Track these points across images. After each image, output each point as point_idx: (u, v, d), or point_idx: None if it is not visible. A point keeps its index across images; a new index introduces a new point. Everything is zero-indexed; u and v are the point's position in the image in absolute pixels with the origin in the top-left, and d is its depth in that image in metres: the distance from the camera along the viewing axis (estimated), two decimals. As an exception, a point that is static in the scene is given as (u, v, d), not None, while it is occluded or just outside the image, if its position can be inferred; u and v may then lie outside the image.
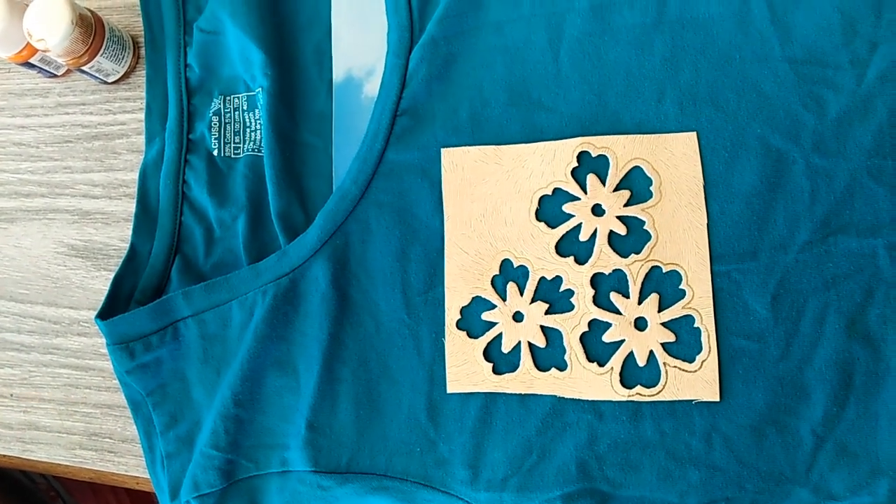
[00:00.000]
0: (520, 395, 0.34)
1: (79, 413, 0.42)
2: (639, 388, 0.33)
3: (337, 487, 0.35)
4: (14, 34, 0.40)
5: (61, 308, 0.43)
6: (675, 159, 0.34)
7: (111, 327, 0.37)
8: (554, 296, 0.35)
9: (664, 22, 0.35)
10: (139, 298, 0.39)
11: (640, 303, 0.34)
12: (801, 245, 0.32)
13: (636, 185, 0.34)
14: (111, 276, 0.42)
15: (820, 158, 0.33)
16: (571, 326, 0.34)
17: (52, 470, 0.43)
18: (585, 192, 0.35)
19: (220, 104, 0.41)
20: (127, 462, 0.41)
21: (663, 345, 0.33)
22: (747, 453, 0.32)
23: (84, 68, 0.41)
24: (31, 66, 0.43)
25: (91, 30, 0.40)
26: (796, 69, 0.33)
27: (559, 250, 0.35)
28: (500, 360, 0.35)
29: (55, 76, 0.44)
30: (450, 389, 0.35)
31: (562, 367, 0.34)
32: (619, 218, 0.34)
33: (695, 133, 0.34)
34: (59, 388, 0.42)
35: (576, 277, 0.34)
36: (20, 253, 0.44)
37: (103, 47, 0.41)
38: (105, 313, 0.38)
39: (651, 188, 0.34)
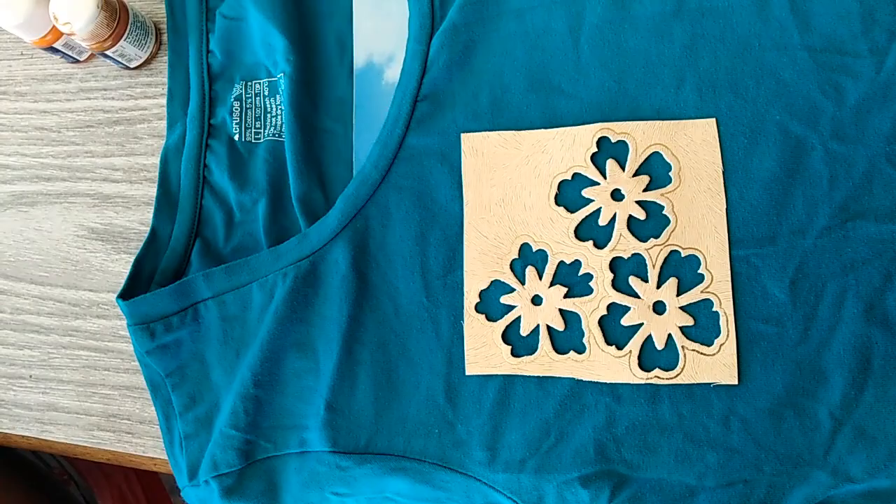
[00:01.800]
0: (538, 377, 0.35)
1: (97, 394, 0.42)
2: (657, 371, 0.33)
3: (355, 468, 0.36)
4: (39, 19, 0.40)
5: (81, 290, 0.44)
6: (694, 145, 0.34)
7: (132, 307, 0.37)
8: (573, 279, 0.35)
9: (684, 10, 0.35)
10: (159, 280, 0.40)
11: (658, 287, 0.34)
12: (819, 230, 0.33)
13: (655, 171, 0.35)
14: (131, 259, 0.42)
15: (838, 145, 0.33)
16: (590, 310, 0.34)
17: (69, 451, 0.43)
18: (605, 177, 0.35)
19: (241, 89, 0.41)
20: (145, 443, 0.42)
21: (682, 328, 0.34)
22: (765, 436, 0.32)
23: (107, 53, 0.42)
24: (55, 50, 0.43)
25: (115, 14, 0.41)
26: (815, 57, 0.34)
27: (578, 234, 0.35)
28: (519, 342, 0.35)
29: (78, 61, 0.45)
30: (468, 371, 0.35)
31: (580, 350, 0.34)
32: (638, 203, 0.35)
33: (714, 119, 0.34)
34: (78, 370, 0.43)
35: (595, 261, 0.35)
36: (41, 236, 0.44)
37: (127, 32, 0.41)
38: (126, 294, 0.38)
39: (670, 173, 0.34)
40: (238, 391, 0.37)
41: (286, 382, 0.37)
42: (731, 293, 0.33)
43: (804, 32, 0.34)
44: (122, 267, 0.43)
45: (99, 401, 0.42)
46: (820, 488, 0.32)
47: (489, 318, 0.35)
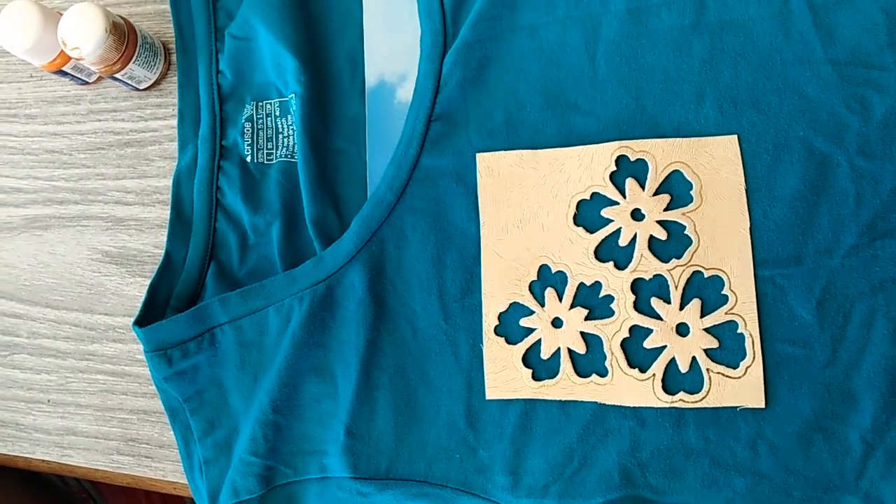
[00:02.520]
0: (560, 401, 0.34)
1: (116, 419, 0.42)
2: (682, 395, 0.33)
3: (377, 494, 0.35)
4: (48, 43, 0.40)
5: (96, 314, 0.43)
6: (715, 163, 0.34)
7: (149, 334, 0.37)
8: (593, 301, 0.34)
9: (702, 24, 0.34)
10: (175, 305, 0.39)
11: (681, 308, 0.33)
12: (846, 249, 0.32)
13: (676, 190, 0.34)
14: (145, 282, 0.42)
15: (865, 161, 0.32)
16: (612, 332, 0.34)
17: (90, 475, 0.43)
18: (624, 197, 0.34)
19: (252, 110, 0.41)
20: (164, 467, 0.41)
21: (706, 351, 0.33)
22: (794, 461, 0.32)
23: (116, 76, 0.42)
24: (64, 73, 0.43)
25: (124, 37, 0.40)
26: (839, 70, 0.33)
27: (598, 255, 0.34)
28: (540, 366, 0.35)
29: (87, 83, 0.45)
30: (489, 396, 0.35)
31: (602, 373, 0.34)
32: (659, 222, 0.34)
33: (735, 136, 0.34)
34: (96, 394, 0.43)
35: (616, 283, 0.34)
36: (55, 260, 0.44)
37: (136, 55, 0.41)
38: (142, 320, 0.38)
39: (691, 192, 0.34)
40: (257, 417, 0.37)
41: (305, 408, 0.37)
42: (756, 314, 0.32)
43: (828, 45, 0.33)
44: (136, 290, 0.43)
45: (117, 425, 0.42)
46: (851, 514, 0.31)
47: (509, 341, 0.35)
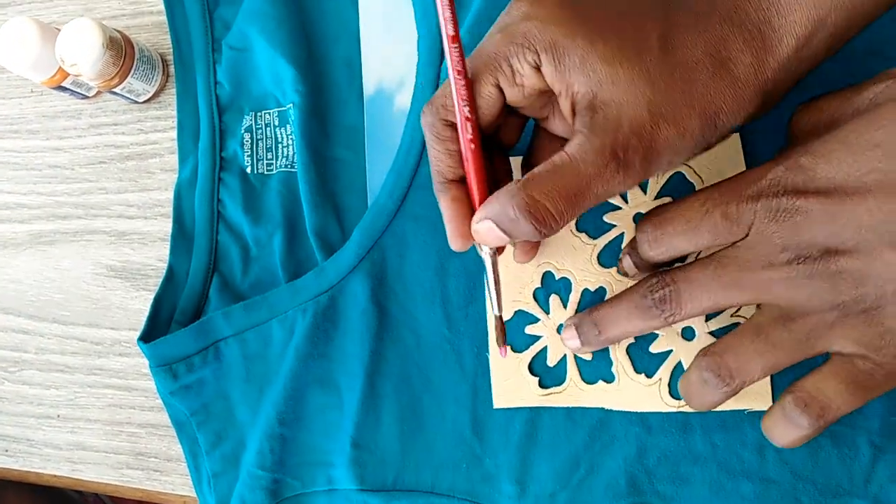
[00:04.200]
0: (566, 408, 0.34)
1: (124, 433, 0.43)
2: (688, 400, 0.33)
3: (384, 505, 0.35)
4: (47, 59, 0.40)
5: (102, 329, 0.43)
6: (717, 162, 0.33)
7: (154, 349, 0.37)
8: (597, 307, 0.34)
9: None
10: (179, 319, 0.39)
11: (686, 312, 0.33)
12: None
13: (678, 192, 0.34)
14: (150, 296, 0.42)
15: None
16: (616, 338, 0.34)
17: (101, 489, 0.43)
18: (626, 201, 0.34)
19: (251, 121, 0.41)
20: (174, 481, 0.42)
21: (712, 355, 0.33)
22: (802, 465, 0.31)
23: (115, 90, 0.41)
24: (64, 89, 0.43)
25: (121, 51, 0.40)
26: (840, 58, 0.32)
27: (601, 261, 0.34)
28: (546, 373, 0.34)
29: (87, 98, 0.45)
30: (496, 405, 0.35)
31: (609, 379, 0.34)
32: (661, 226, 0.33)
33: (737, 133, 0.33)
34: (104, 409, 0.43)
35: (620, 288, 0.34)
36: (60, 275, 0.44)
37: (133, 68, 0.41)
38: (147, 335, 0.38)
39: (694, 194, 0.33)
40: (263, 430, 0.37)
41: (310, 419, 0.37)
42: (762, 317, 0.32)
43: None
44: (141, 304, 0.43)
45: (126, 439, 0.42)
46: (862, 518, 0.31)
47: (514, 350, 0.35)
